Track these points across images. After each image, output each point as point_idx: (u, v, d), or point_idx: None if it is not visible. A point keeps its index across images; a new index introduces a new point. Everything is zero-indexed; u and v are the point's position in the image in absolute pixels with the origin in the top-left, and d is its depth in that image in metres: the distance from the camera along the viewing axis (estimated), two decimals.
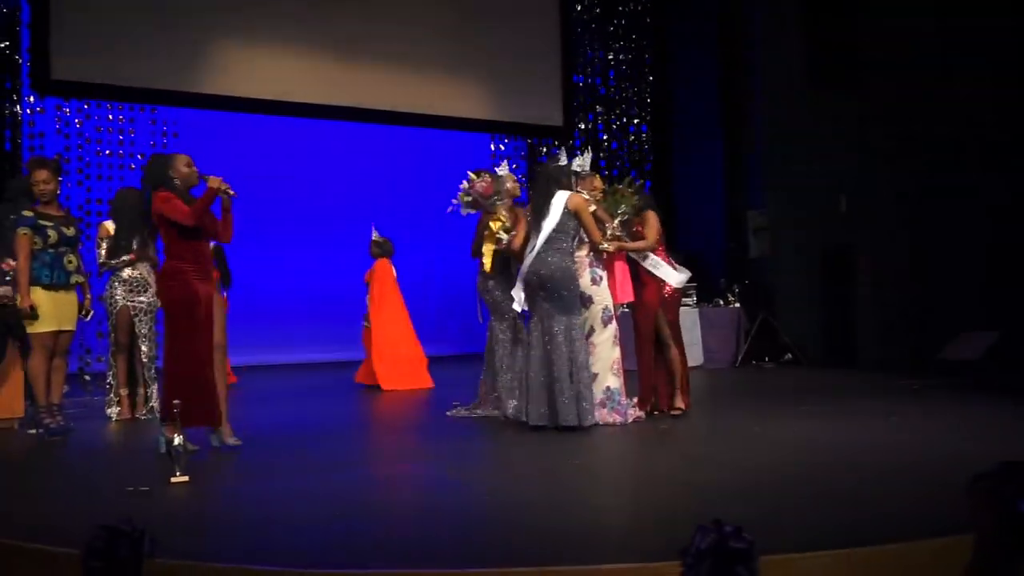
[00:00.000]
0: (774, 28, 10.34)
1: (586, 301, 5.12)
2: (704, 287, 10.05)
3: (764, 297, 9.75)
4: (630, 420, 5.14)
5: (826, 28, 10.24)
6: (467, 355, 9.95)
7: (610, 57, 12.01)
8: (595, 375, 5.05)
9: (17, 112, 9.00)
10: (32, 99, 9.04)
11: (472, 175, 5.83)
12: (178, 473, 3.62)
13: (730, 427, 5.08)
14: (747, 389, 7.44)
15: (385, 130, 10.85)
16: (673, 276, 5.43)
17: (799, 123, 10.23)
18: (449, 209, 5.88)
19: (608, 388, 5.10)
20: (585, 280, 5.10)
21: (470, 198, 5.73)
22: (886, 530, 2.58)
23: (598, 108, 11.92)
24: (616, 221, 5.40)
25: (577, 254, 5.11)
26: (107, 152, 9.27)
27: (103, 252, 5.95)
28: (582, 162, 5.57)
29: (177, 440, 3.61)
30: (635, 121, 12.08)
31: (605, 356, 5.15)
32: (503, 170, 5.96)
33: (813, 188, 10.10)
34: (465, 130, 11.11)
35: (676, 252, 10.84)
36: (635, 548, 2.47)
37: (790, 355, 9.50)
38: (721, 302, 9.90)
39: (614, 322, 5.25)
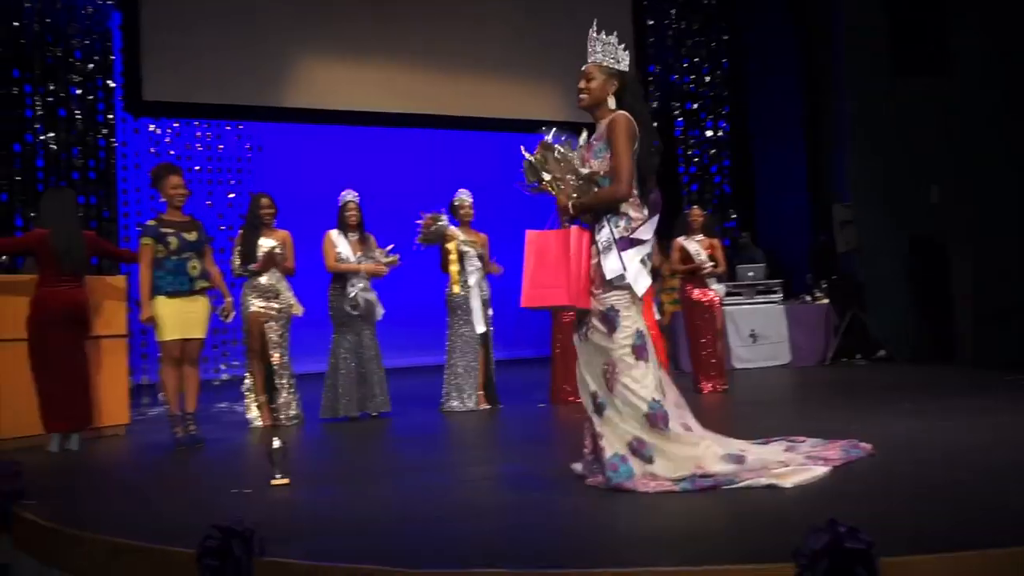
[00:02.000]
0: (858, 13, 10.02)
1: None
2: (790, 284, 9.80)
3: (854, 292, 9.43)
4: None
5: (912, 12, 9.89)
6: (542, 358, 9.92)
7: (684, 51, 11.83)
8: None
9: (110, 134, 9.46)
10: (125, 120, 9.46)
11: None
12: (278, 476, 3.71)
13: (824, 427, 4.92)
14: (839, 387, 7.20)
15: (460, 136, 10.95)
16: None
17: (886, 111, 9.88)
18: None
19: None
20: None
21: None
22: (1003, 532, 2.44)
23: (673, 103, 11.76)
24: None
25: None
26: (196, 168, 9.61)
27: (236, 259, 6.06)
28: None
29: (276, 443, 3.70)
30: (711, 117, 11.87)
31: None
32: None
33: (902, 178, 9.74)
34: (536, 132, 11.09)
35: (758, 248, 10.64)
36: (743, 549, 2.40)
37: (883, 351, 9.17)
38: (808, 298, 9.63)
39: None
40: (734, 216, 11.65)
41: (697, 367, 7.07)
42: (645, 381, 3.26)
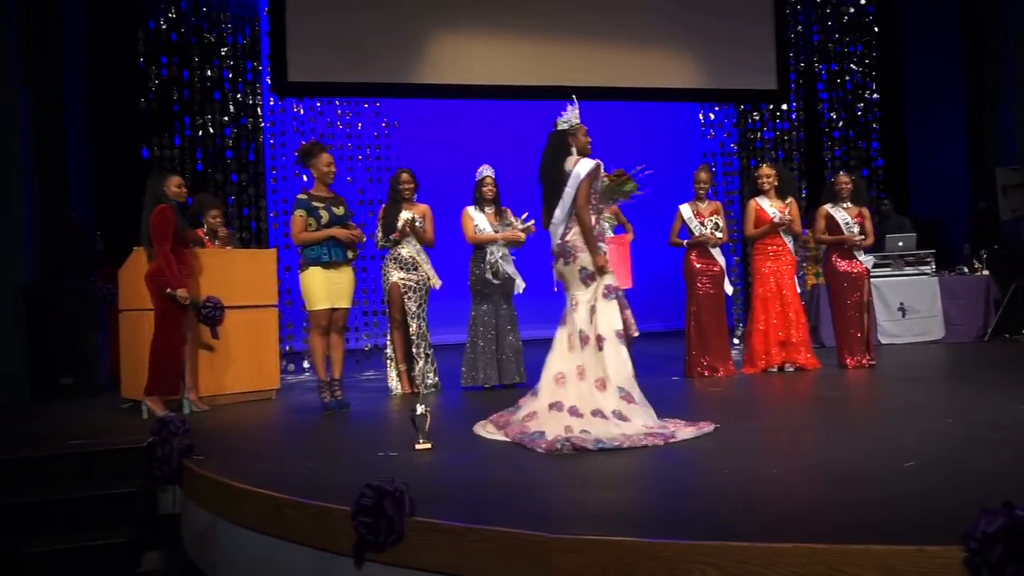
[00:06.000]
0: None
1: None
2: (944, 254, 9.18)
3: (1020, 262, 8.72)
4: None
5: None
6: (675, 331, 9.76)
7: (829, 8, 11.14)
8: None
9: (259, 115, 9.97)
10: (272, 101, 9.93)
11: None
12: (421, 440, 3.83)
13: (988, 405, 4.61)
14: (1003, 365, 6.70)
15: (593, 106, 10.79)
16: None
17: None
18: None
19: None
20: None
21: None
22: None
23: (818, 66, 11.11)
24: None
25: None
26: (337, 146, 9.95)
27: (379, 232, 6.32)
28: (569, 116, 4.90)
29: (420, 409, 3.82)
30: (859, 73, 11.12)
31: None
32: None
33: None
34: (673, 100, 10.83)
35: (903, 216, 9.99)
36: (907, 530, 2.29)
37: None
38: (966, 270, 8.99)
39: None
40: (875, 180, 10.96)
41: (842, 341, 6.76)
42: None
